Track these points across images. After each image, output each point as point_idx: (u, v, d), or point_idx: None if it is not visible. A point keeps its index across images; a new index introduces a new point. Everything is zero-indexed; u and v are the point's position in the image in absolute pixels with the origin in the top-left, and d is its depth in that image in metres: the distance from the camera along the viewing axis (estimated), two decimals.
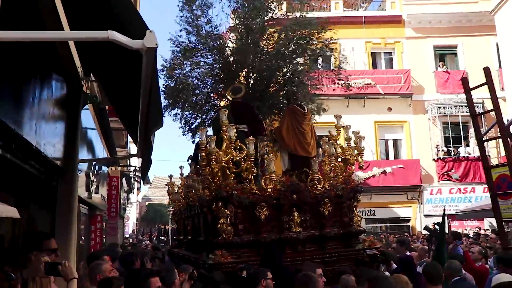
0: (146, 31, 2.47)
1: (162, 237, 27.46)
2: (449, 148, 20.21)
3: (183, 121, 13.43)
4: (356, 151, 7.51)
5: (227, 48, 12.55)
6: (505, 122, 6.41)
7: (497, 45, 19.72)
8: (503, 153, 19.19)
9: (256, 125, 8.17)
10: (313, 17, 12.93)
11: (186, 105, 12.62)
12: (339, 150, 7.42)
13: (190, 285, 5.00)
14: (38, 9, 3.91)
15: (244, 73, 11.89)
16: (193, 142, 13.56)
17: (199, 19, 12.14)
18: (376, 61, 21.98)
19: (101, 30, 2.47)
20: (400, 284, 3.60)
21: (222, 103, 11.89)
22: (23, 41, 2.96)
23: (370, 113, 20.29)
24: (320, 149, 7.83)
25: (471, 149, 19.77)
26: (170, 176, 10.24)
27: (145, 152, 6.38)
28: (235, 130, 6.60)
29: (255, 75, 11.58)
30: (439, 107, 20.17)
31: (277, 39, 12.18)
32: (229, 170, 6.43)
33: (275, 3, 12.49)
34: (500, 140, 6.68)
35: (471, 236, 13.92)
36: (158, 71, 5.64)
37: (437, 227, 14.17)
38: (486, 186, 10.48)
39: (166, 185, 10.54)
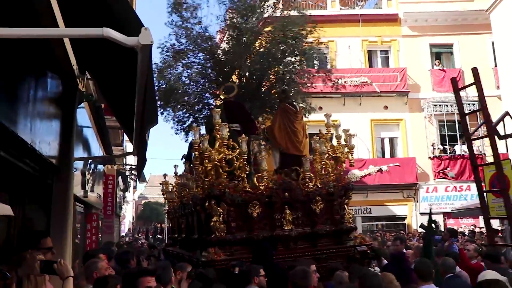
0: (141, 29, 2.46)
1: (159, 236, 27.43)
2: (445, 146, 20.25)
3: (175, 120, 13.42)
4: (346, 149, 7.59)
5: (219, 49, 12.55)
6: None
7: (493, 43, 19.78)
8: (499, 151, 19.30)
9: (249, 124, 8.23)
10: (303, 14, 12.89)
11: (178, 106, 12.61)
12: (330, 148, 7.49)
13: (189, 284, 5.00)
14: (33, 7, 3.89)
15: (236, 72, 11.89)
16: (185, 141, 13.58)
17: (188, 22, 12.13)
18: (372, 60, 22.00)
19: (96, 27, 2.45)
20: (386, 282, 3.79)
21: (218, 103, 11.90)
22: (18, 39, 2.95)
23: (366, 111, 20.31)
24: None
25: (467, 147, 19.82)
26: (165, 175, 10.27)
27: (140, 150, 6.38)
28: (227, 129, 6.66)
29: (247, 74, 11.58)
30: (435, 105, 20.21)
31: (268, 39, 12.16)
32: (222, 168, 6.50)
33: (268, 1, 12.48)
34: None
35: (467, 233, 13.96)
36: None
37: (433, 224, 14.24)
38: (482, 183, 10.51)
39: (160, 183, 10.55)
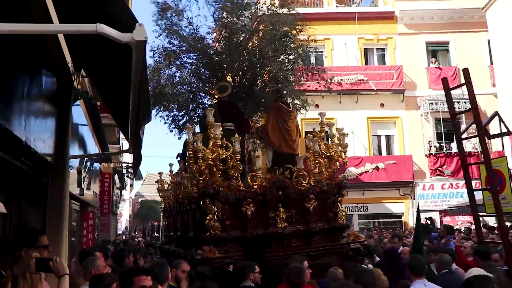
0: (136, 25, 2.45)
1: (156, 234, 27.41)
2: (441, 144, 20.29)
3: (169, 119, 13.39)
4: (340, 148, 7.64)
5: (211, 49, 12.52)
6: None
7: (489, 41, 19.81)
8: (494, 148, 19.39)
9: (243, 123, 8.25)
10: (294, 13, 12.84)
11: (171, 105, 12.58)
12: (323, 147, 7.53)
13: (188, 284, 4.99)
14: (27, 3, 3.86)
15: (229, 71, 11.86)
16: (179, 138, 13.56)
17: (177, 25, 12.08)
18: (369, 57, 21.99)
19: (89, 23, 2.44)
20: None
21: (213, 101, 11.90)
22: (13, 36, 2.93)
23: (362, 109, 20.32)
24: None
25: (463, 144, 19.86)
26: (160, 173, 10.28)
27: (135, 147, 6.37)
28: (221, 129, 6.69)
29: (240, 73, 11.57)
30: (431, 103, 20.23)
31: (259, 38, 12.13)
32: (216, 167, 6.54)
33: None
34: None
35: (463, 231, 14.01)
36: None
37: (429, 222, 14.30)
38: (478, 181, 10.57)
39: (156, 182, 10.55)
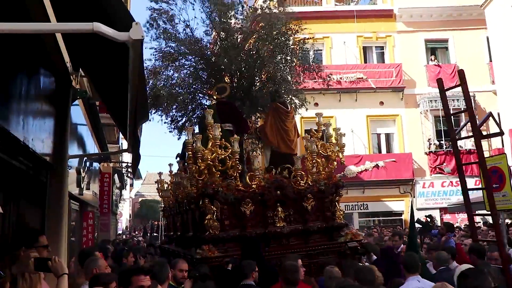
0: (132, 23, 2.44)
1: (155, 234, 27.41)
2: (441, 142, 20.29)
3: (168, 119, 13.37)
4: (337, 147, 7.68)
5: (208, 50, 12.48)
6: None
7: (488, 38, 19.80)
8: (494, 145, 19.40)
9: (241, 124, 8.32)
10: (288, 11, 12.81)
11: (171, 106, 12.55)
12: (321, 147, 7.57)
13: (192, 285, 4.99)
14: (24, 3, 3.86)
15: (227, 73, 11.84)
16: (178, 139, 13.54)
17: (173, 27, 12.04)
18: (368, 55, 21.98)
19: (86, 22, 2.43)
20: None
21: (212, 103, 11.87)
22: (9, 34, 2.92)
23: (362, 107, 20.30)
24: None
25: (463, 142, 19.85)
26: (160, 173, 10.29)
27: (134, 146, 6.36)
28: (220, 129, 6.75)
29: (238, 74, 11.55)
30: (431, 100, 20.21)
31: (255, 38, 12.10)
32: (215, 167, 6.60)
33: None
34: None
35: (463, 228, 14.02)
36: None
37: (429, 219, 14.31)
38: (478, 179, 10.57)
39: (155, 182, 10.56)
